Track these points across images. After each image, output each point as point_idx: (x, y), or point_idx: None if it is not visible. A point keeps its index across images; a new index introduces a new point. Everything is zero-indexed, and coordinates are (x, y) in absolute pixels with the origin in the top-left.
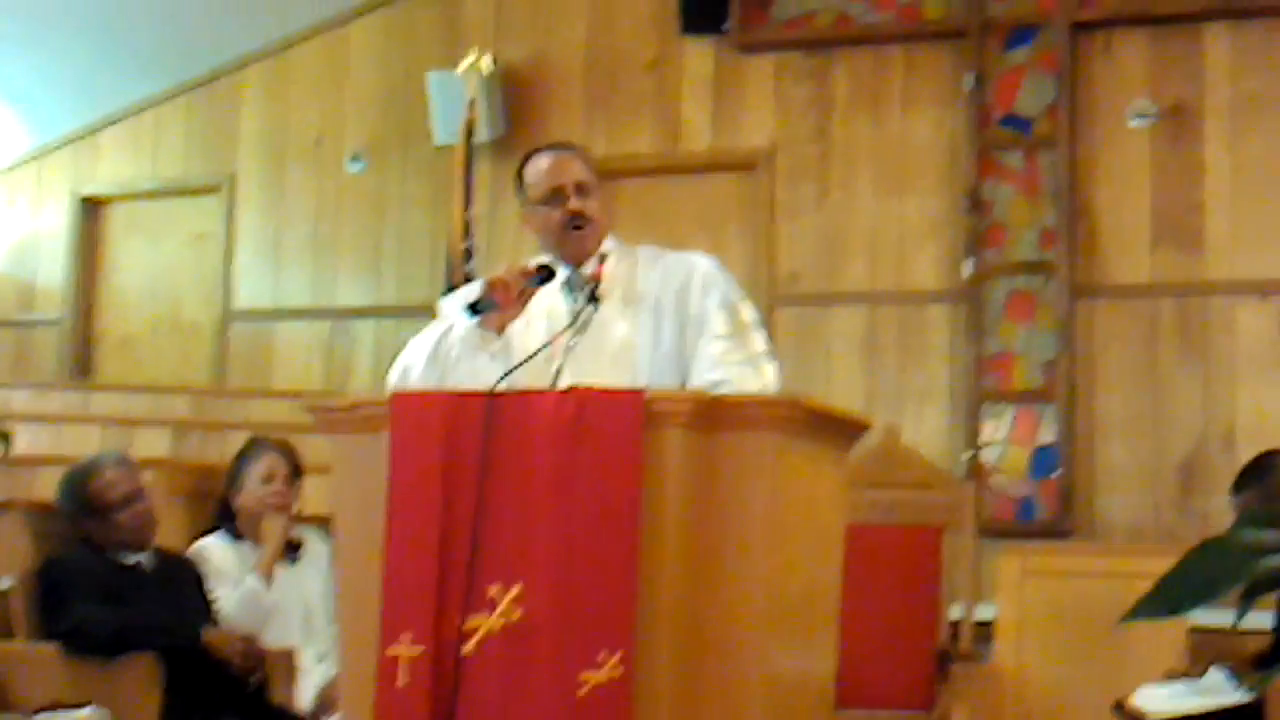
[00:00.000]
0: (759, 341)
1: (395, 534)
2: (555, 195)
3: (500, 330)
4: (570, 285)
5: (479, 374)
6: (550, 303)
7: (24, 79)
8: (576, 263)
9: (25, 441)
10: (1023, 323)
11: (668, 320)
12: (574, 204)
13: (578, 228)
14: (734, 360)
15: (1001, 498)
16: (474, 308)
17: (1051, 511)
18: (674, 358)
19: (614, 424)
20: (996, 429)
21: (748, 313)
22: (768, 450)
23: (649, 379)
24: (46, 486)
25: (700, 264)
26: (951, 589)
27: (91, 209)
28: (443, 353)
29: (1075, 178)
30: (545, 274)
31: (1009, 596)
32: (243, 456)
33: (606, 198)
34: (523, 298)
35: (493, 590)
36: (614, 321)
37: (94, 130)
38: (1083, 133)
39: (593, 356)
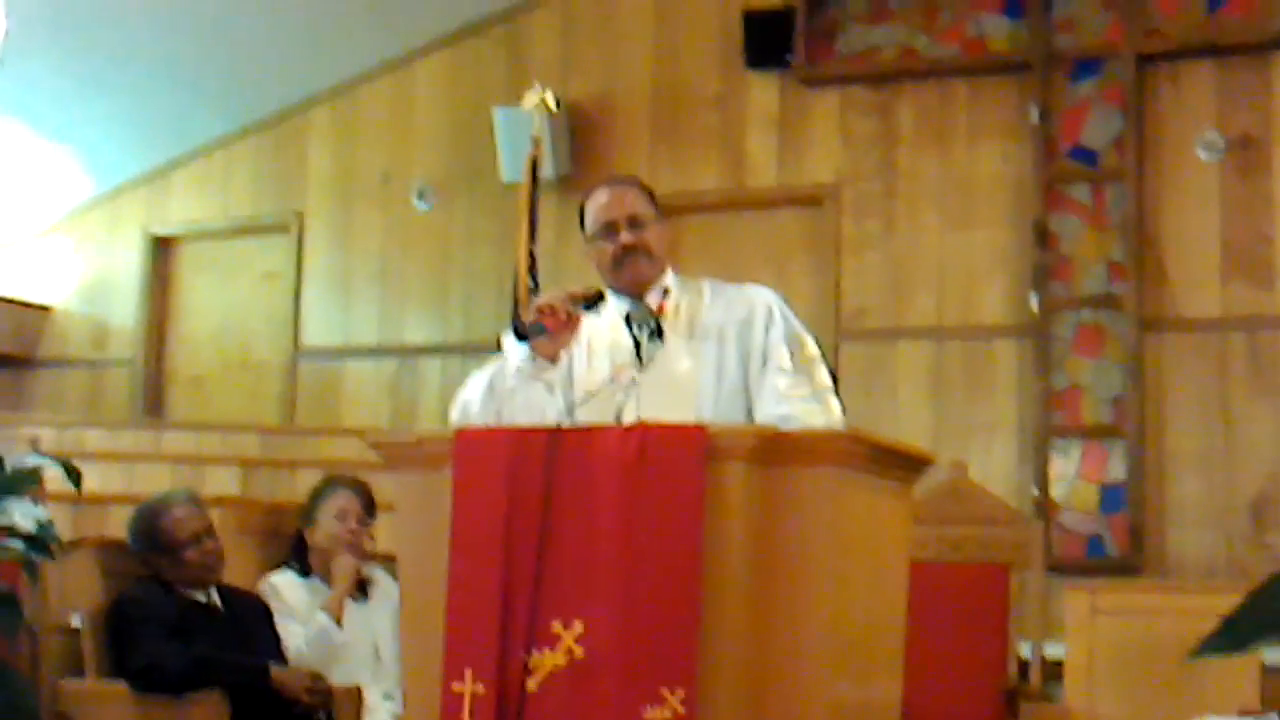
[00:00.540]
0: (823, 376)
1: (458, 570)
2: (608, 230)
3: (554, 359)
4: (632, 319)
5: (534, 404)
6: (613, 337)
7: (95, 121)
8: (636, 295)
9: (96, 480)
10: (1091, 357)
11: (731, 354)
12: (625, 238)
13: (628, 259)
14: (800, 395)
15: (1071, 534)
16: (521, 334)
17: (1121, 548)
18: (738, 391)
19: (676, 459)
20: (1065, 465)
21: (811, 347)
22: (829, 485)
23: (713, 413)
24: (117, 525)
25: (762, 297)
26: (1020, 627)
27: (162, 248)
28: (498, 385)
29: (1143, 210)
30: (594, 298)
31: (1078, 635)
32: (318, 493)
33: (668, 231)
34: (571, 323)
35: (556, 626)
36: (678, 356)
37: (165, 170)
38: (1150, 165)
39: (657, 391)
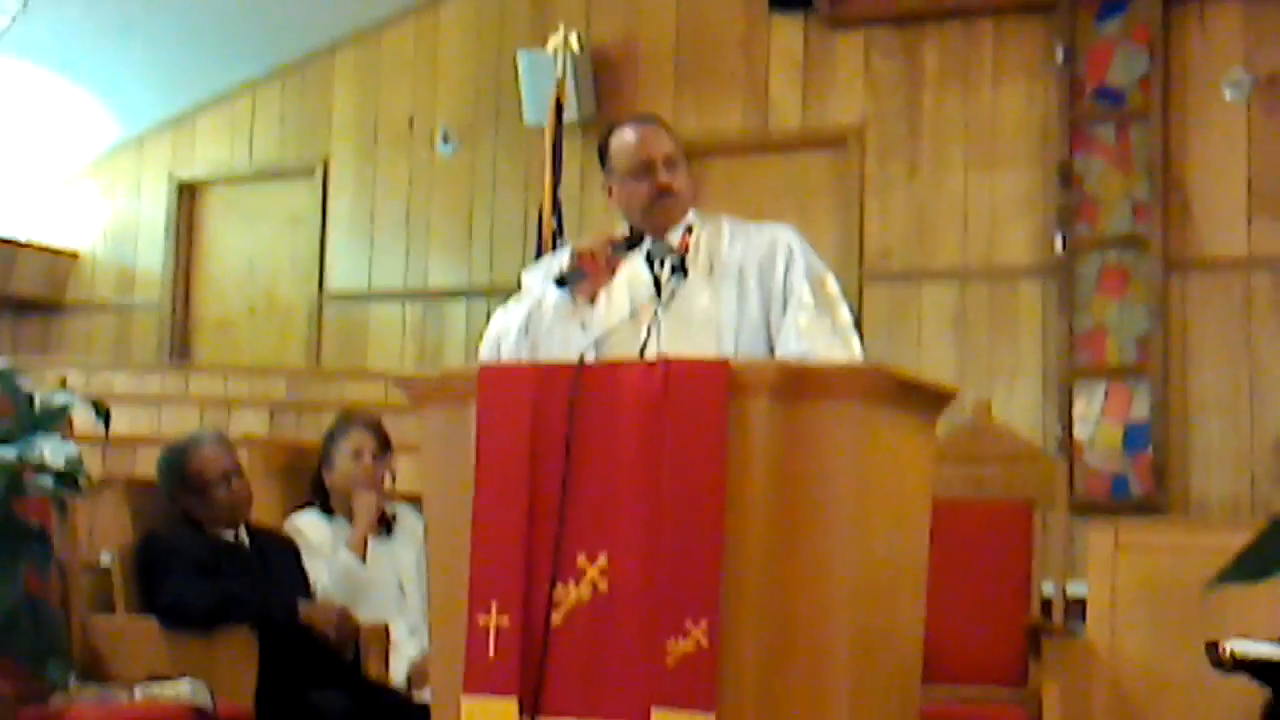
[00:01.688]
0: (844, 314)
1: (483, 505)
2: (644, 168)
3: (593, 299)
4: (651, 256)
5: (570, 342)
6: (632, 272)
7: (120, 66)
8: (660, 234)
9: (125, 423)
10: (1115, 298)
11: (752, 291)
12: (663, 177)
13: (668, 199)
14: (821, 331)
15: (1095, 474)
16: (562, 281)
17: (1145, 488)
18: (759, 328)
19: (699, 393)
20: (1089, 405)
21: (832, 285)
22: (853, 419)
23: (734, 349)
24: (146, 466)
25: (783, 235)
26: (1044, 565)
27: (188, 193)
28: (534, 323)
29: (1168, 150)
30: (633, 241)
31: (1101, 572)
32: (332, 434)
33: (691, 171)
34: (610, 266)
35: (580, 560)
36: (698, 293)
37: (190, 115)
38: (1176, 105)
39: (678, 328)
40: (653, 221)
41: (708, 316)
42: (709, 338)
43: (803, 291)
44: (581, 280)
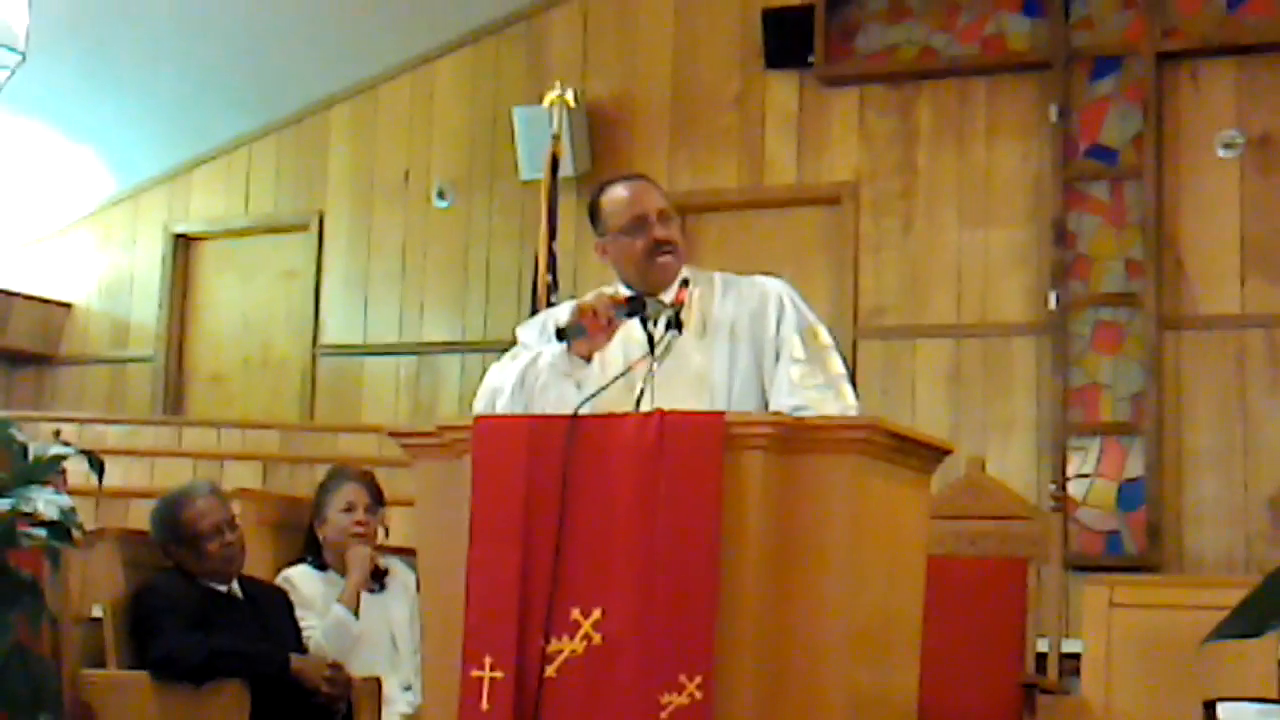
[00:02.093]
0: (837, 364)
1: (477, 557)
2: (638, 223)
3: (589, 358)
4: (645, 314)
5: (565, 401)
6: (626, 331)
7: (117, 119)
8: (654, 291)
9: (118, 476)
10: (1109, 355)
11: (743, 347)
12: (659, 232)
13: (665, 254)
14: (813, 384)
15: (1089, 532)
16: (562, 334)
17: (1140, 545)
18: (751, 383)
19: (694, 447)
20: (1083, 462)
21: (824, 335)
22: (847, 473)
23: (726, 406)
24: (139, 519)
25: (773, 287)
26: (1038, 622)
27: (183, 246)
28: (529, 380)
29: (1162, 208)
30: (635, 305)
31: (1096, 629)
32: (323, 487)
33: (684, 228)
34: (610, 327)
35: (574, 613)
36: (691, 351)
37: (186, 169)
38: (1169, 163)
39: (671, 384)
40: (648, 277)
41: (700, 375)
42: (700, 396)
43: (794, 344)
44: (581, 336)
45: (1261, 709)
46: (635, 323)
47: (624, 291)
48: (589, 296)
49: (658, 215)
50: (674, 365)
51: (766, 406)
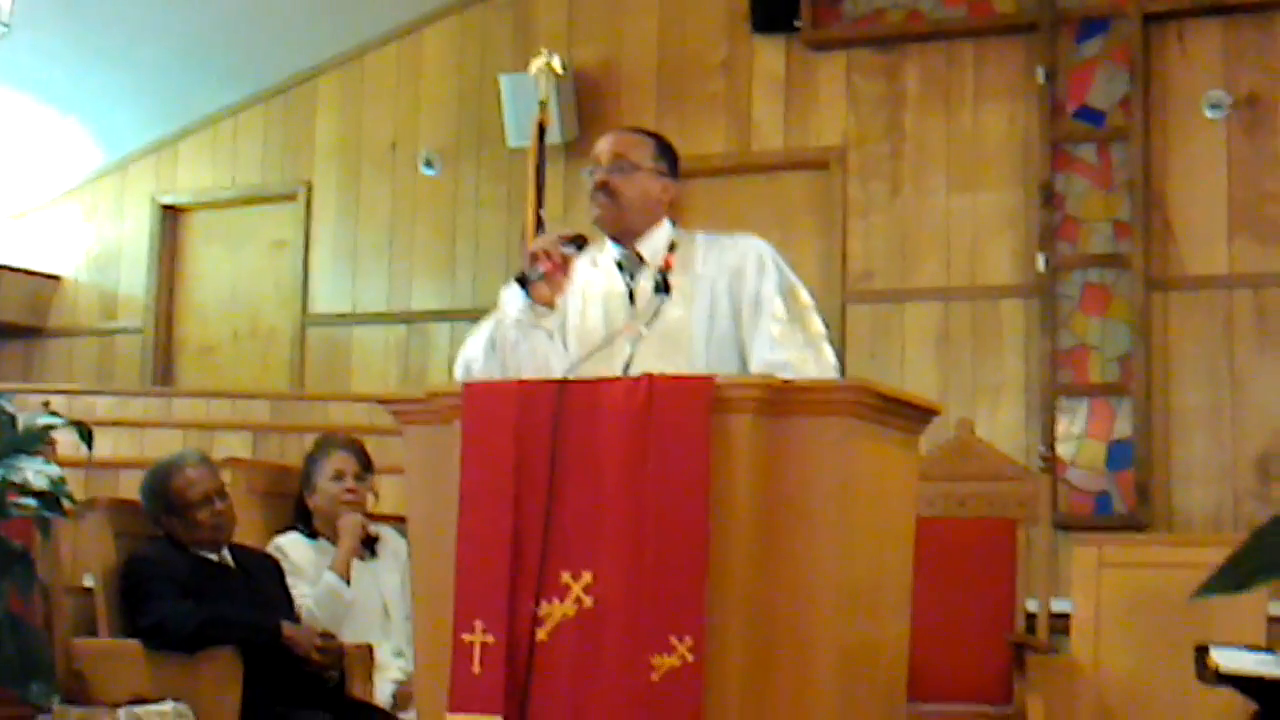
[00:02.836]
0: (817, 325)
1: (468, 523)
2: (592, 169)
3: (551, 304)
4: (624, 266)
5: (538, 352)
6: (608, 285)
7: (103, 91)
8: (625, 243)
9: (108, 447)
10: (1097, 316)
11: (723, 303)
12: (600, 175)
13: (597, 196)
14: (794, 343)
15: (1078, 492)
16: (522, 280)
17: (1128, 505)
18: (729, 341)
19: (683, 410)
20: (1072, 423)
21: (804, 296)
22: (836, 435)
23: (705, 363)
24: (129, 489)
25: (754, 247)
26: (1027, 582)
27: (171, 217)
28: (500, 340)
29: (1149, 170)
30: (578, 239)
31: (1085, 589)
32: (312, 456)
33: (665, 188)
34: (565, 264)
35: (565, 577)
36: (670, 306)
37: (173, 140)
38: (1156, 124)
39: (655, 343)
40: (593, 218)
41: (680, 328)
42: (679, 351)
43: (775, 303)
44: (539, 279)
45: (1256, 656)
46: (616, 277)
47: (569, 230)
48: (538, 240)
49: (610, 158)
50: (660, 326)
51: (744, 364)
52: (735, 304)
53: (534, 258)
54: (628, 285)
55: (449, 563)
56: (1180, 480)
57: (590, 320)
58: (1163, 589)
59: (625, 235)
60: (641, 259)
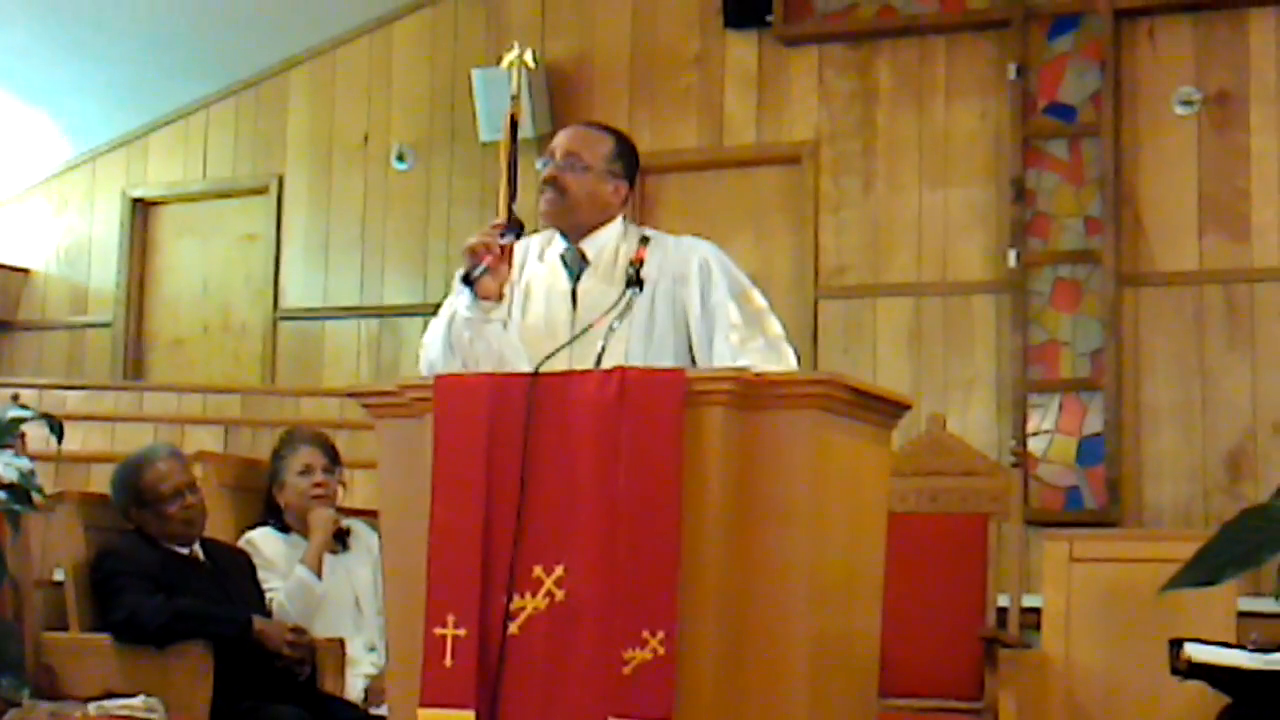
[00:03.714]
0: (774, 325)
1: (440, 516)
2: (545, 163)
3: (499, 296)
4: (566, 260)
5: (492, 346)
6: (550, 281)
7: (73, 84)
8: (573, 237)
9: (78, 441)
10: (1069, 312)
11: (662, 308)
12: (550, 170)
13: (544, 191)
14: (754, 347)
15: (1049, 487)
16: (468, 279)
17: (1099, 500)
18: (666, 344)
19: (655, 403)
20: (1043, 418)
21: (758, 298)
22: (807, 428)
23: (642, 358)
24: (99, 483)
25: (700, 251)
26: (998, 577)
27: (142, 211)
28: (455, 339)
29: (1120, 166)
30: (514, 225)
31: (1056, 584)
32: (278, 452)
33: (616, 190)
34: (505, 254)
35: (537, 570)
36: (604, 298)
37: (143, 133)
38: (1127, 121)
39: (621, 335)
40: (550, 219)
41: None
42: (617, 345)
43: (729, 310)
44: (484, 274)
45: (1228, 652)
46: (560, 270)
47: (500, 219)
48: (474, 236)
49: (563, 154)
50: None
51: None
52: (676, 311)
53: (473, 253)
54: (570, 284)
55: (421, 556)
56: (1151, 475)
57: (531, 315)
58: (1133, 584)
59: (572, 231)
60: (585, 258)
